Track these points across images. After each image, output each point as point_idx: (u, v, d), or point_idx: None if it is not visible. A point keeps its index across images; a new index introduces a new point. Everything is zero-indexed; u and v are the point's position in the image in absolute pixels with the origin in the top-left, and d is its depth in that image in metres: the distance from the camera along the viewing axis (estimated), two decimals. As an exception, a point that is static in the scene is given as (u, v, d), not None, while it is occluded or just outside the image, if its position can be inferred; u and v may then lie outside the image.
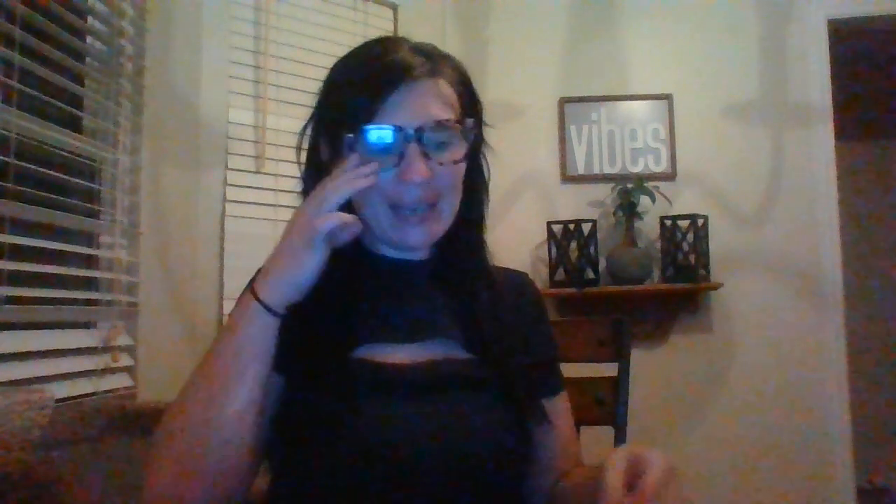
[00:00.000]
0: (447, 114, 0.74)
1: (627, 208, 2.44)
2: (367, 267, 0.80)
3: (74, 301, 1.46)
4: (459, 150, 0.74)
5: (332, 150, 0.78)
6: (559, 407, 0.84)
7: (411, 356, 0.74)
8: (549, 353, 0.86)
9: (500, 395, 0.74)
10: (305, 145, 0.81)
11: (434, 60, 0.77)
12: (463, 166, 0.76)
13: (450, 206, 0.77)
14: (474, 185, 0.83)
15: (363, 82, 0.75)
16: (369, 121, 0.72)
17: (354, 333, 0.74)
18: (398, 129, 0.71)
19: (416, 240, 0.76)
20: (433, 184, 0.73)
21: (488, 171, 0.86)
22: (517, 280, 0.88)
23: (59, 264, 1.44)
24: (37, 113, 1.33)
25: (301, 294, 0.69)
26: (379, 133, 0.72)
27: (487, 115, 0.83)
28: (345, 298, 0.76)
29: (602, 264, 2.48)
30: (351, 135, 0.72)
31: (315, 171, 0.80)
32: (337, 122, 0.75)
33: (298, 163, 0.82)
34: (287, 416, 0.71)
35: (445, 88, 0.76)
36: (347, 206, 0.76)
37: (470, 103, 0.80)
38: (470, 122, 0.75)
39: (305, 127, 0.81)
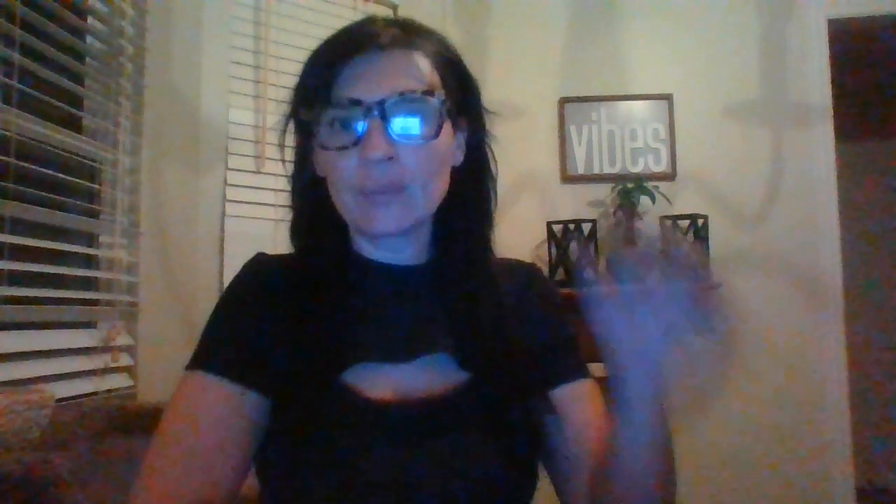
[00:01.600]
0: (417, 86, 0.66)
1: (627, 208, 2.43)
2: (358, 273, 0.72)
3: (74, 301, 1.46)
4: (430, 127, 0.66)
5: (302, 137, 0.72)
6: (576, 394, 0.72)
7: (401, 386, 0.66)
8: (558, 337, 0.75)
9: (494, 423, 0.66)
10: (288, 142, 0.74)
11: (410, 32, 0.69)
12: (437, 145, 0.67)
13: (422, 189, 0.67)
14: (478, 179, 0.75)
15: (324, 55, 0.68)
16: (326, 96, 0.65)
17: (343, 352, 0.67)
18: (355, 103, 0.64)
19: (383, 225, 0.66)
20: (399, 163, 0.65)
21: (495, 163, 0.77)
22: (523, 272, 0.80)
23: (59, 264, 1.44)
24: (37, 113, 1.33)
25: None
26: (336, 110, 0.65)
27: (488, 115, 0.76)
28: (334, 311, 0.68)
29: (602, 264, 2.48)
30: (309, 113, 0.66)
31: (300, 167, 0.74)
32: (298, 103, 0.69)
33: (283, 160, 0.75)
34: (273, 443, 0.65)
35: (421, 61, 0.68)
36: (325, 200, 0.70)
37: (458, 82, 0.71)
38: (440, 93, 0.67)
39: (287, 121, 0.73)
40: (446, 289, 0.72)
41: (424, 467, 0.63)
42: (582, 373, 0.74)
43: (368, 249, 0.73)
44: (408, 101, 0.65)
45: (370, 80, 0.65)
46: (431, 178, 0.68)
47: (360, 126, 0.64)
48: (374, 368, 0.66)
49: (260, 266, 0.75)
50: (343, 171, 0.66)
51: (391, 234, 0.68)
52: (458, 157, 0.74)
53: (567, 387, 0.72)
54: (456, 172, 0.73)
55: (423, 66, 0.67)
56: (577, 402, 0.72)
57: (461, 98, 0.71)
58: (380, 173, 0.65)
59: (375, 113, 0.64)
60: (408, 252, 0.73)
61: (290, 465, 0.63)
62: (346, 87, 0.65)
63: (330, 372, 0.65)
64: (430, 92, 0.66)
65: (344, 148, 0.65)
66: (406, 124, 0.65)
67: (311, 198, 0.73)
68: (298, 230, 0.75)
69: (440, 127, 0.67)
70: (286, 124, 0.73)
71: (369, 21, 0.70)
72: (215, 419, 0.64)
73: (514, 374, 0.69)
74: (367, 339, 0.68)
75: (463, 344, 0.69)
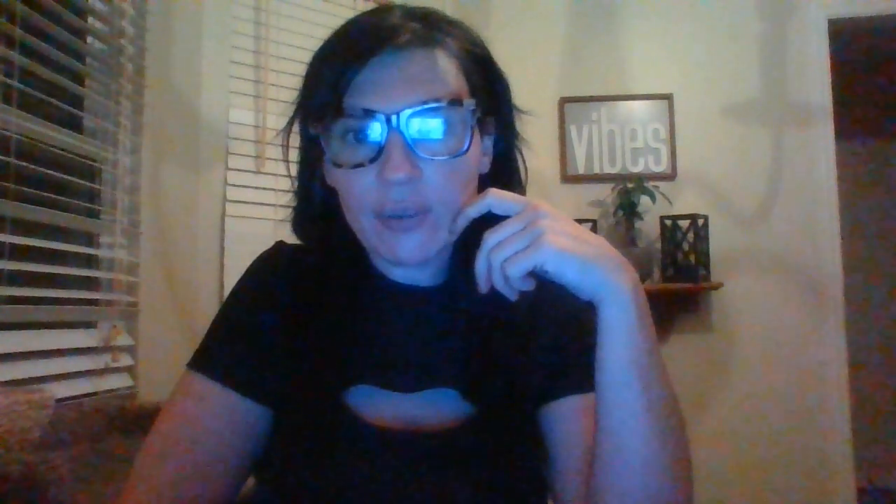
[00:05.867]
0: (442, 93, 0.58)
1: (627, 208, 2.44)
2: (370, 291, 0.68)
3: (74, 301, 1.46)
4: (458, 140, 0.59)
5: (309, 145, 0.66)
6: (579, 407, 0.65)
7: (403, 414, 0.63)
8: (568, 349, 0.68)
9: (496, 464, 0.62)
10: (294, 144, 0.70)
11: (433, 27, 0.62)
12: (466, 159, 0.60)
13: (449, 211, 0.60)
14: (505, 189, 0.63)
15: (333, 56, 0.61)
16: (338, 105, 0.58)
17: (346, 372, 0.64)
18: (371, 114, 0.57)
19: (407, 253, 0.60)
20: (422, 182, 0.58)
21: (525, 170, 0.70)
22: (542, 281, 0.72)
23: (59, 264, 1.44)
24: (37, 113, 1.33)
25: None
26: (348, 121, 0.58)
27: None
28: (341, 329, 0.65)
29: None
30: (318, 125, 0.60)
31: (308, 172, 0.69)
32: (305, 112, 0.63)
33: (286, 161, 0.70)
34: (272, 452, 0.64)
35: (445, 62, 0.60)
36: (337, 217, 0.66)
37: (485, 83, 0.64)
38: (469, 102, 0.59)
39: (291, 122, 0.68)
40: (459, 315, 0.66)
41: (417, 499, 0.59)
42: (587, 387, 0.64)
43: (384, 265, 0.68)
44: (432, 112, 0.58)
45: (388, 87, 0.58)
46: (459, 197, 0.61)
47: (378, 140, 0.58)
48: (376, 392, 0.64)
49: (276, 261, 0.72)
50: (358, 191, 0.60)
51: (415, 263, 0.62)
52: (486, 165, 0.67)
53: (570, 399, 0.66)
54: (481, 180, 0.65)
55: (448, 68, 0.60)
56: (578, 413, 0.65)
57: (489, 99, 0.64)
58: (401, 194, 0.58)
59: (395, 126, 0.57)
60: (426, 272, 0.68)
61: (285, 478, 0.61)
62: (360, 95, 0.58)
63: (331, 390, 0.63)
64: (457, 100, 0.59)
65: (360, 165, 0.58)
66: (430, 138, 0.58)
67: (318, 201, 0.68)
68: (304, 228, 0.71)
69: (470, 139, 0.59)
70: (289, 128, 0.68)
71: (384, 12, 0.62)
72: (213, 427, 0.62)
73: (520, 412, 0.65)
74: (372, 362, 0.64)
75: (469, 379, 0.64)
